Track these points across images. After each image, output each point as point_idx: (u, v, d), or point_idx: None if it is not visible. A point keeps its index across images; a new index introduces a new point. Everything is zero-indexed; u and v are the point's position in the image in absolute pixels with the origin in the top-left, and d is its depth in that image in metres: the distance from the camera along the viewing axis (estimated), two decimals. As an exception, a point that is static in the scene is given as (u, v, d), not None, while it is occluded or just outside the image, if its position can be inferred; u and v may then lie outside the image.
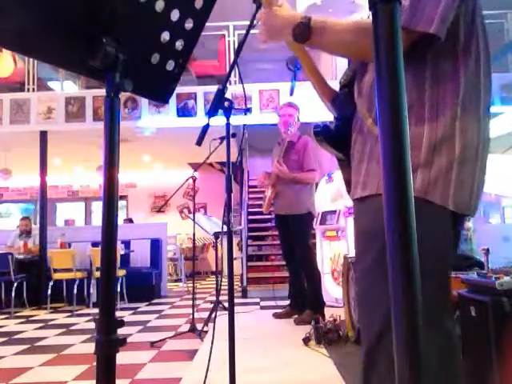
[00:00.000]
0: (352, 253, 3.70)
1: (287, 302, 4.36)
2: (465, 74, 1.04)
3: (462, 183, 1.02)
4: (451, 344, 1.04)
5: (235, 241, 6.94)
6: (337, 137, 1.24)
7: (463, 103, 1.03)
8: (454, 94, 1.03)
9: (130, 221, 9.55)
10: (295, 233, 3.99)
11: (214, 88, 5.79)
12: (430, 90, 1.03)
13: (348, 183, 1.25)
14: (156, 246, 6.89)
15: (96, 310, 5.29)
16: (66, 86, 7.42)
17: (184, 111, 6.43)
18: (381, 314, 1.02)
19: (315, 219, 4.68)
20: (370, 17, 0.48)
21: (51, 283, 5.65)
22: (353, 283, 3.12)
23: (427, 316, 0.97)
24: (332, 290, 4.83)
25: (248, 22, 1.28)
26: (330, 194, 5.27)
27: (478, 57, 1.06)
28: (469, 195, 1.04)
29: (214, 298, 4.86)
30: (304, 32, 1.04)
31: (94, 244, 6.10)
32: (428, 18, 0.94)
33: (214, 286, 5.69)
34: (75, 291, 5.57)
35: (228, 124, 1.82)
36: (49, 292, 5.62)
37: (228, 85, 1.65)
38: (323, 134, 1.25)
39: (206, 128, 1.64)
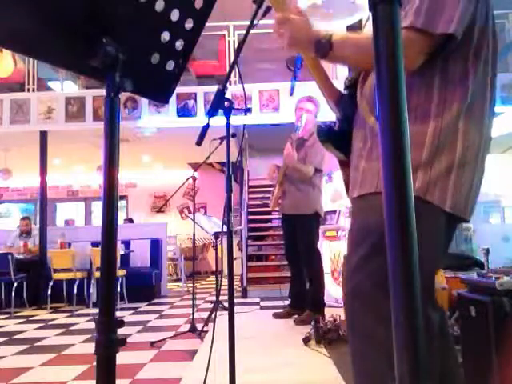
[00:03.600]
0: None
1: (287, 302, 4.36)
2: (474, 77, 1.04)
3: (461, 186, 1.03)
4: (430, 332, 1.05)
5: (235, 241, 6.94)
6: (340, 137, 1.25)
7: (469, 106, 1.04)
8: (462, 98, 1.04)
9: (131, 221, 9.54)
10: (301, 233, 3.97)
11: (213, 88, 5.78)
12: (438, 92, 1.04)
13: (347, 185, 1.26)
14: (156, 245, 6.88)
15: (96, 310, 5.29)
16: (66, 86, 7.42)
17: (184, 111, 6.43)
18: (372, 307, 1.03)
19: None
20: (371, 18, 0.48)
21: (51, 283, 5.65)
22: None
23: None
24: (332, 290, 4.83)
25: (248, 22, 1.28)
26: (330, 194, 5.27)
27: (487, 59, 1.07)
28: (465, 198, 1.05)
29: (214, 298, 4.85)
30: (325, 47, 1.08)
31: (94, 244, 6.10)
32: (447, 19, 0.95)
33: (214, 285, 5.69)
34: (75, 291, 5.57)
35: (228, 124, 1.82)
36: (49, 292, 5.62)
37: (228, 85, 1.65)
38: (327, 134, 1.25)
39: (205, 128, 1.64)
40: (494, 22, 1.09)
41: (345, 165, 1.27)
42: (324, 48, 1.08)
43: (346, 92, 1.29)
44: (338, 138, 1.26)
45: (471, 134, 1.04)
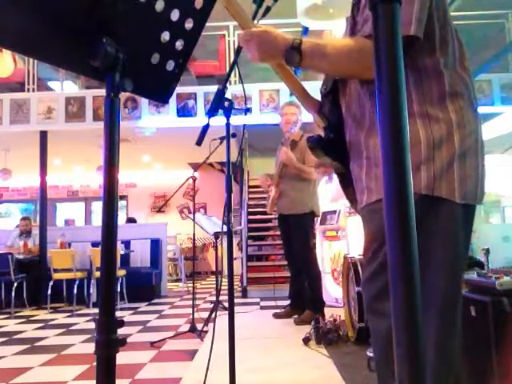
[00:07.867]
0: (352, 253, 3.70)
1: (287, 302, 4.36)
2: (446, 66, 1.05)
3: (467, 173, 1.02)
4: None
5: (235, 241, 6.94)
6: (332, 146, 1.24)
7: (452, 94, 1.04)
8: (441, 87, 1.04)
9: (132, 220, 9.50)
10: (296, 232, 3.98)
11: (214, 88, 5.78)
12: (414, 86, 1.04)
13: (352, 201, 1.25)
14: (156, 246, 6.88)
15: (96, 310, 5.29)
16: (66, 86, 7.42)
17: (184, 111, 6.43)
18: (388, 320, 1.03)
19: (317, 219, 4.67)
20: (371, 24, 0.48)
21: (51, 283, 5.65)
22: (353, 283, 3.12)
23: (441, 314, 0.99)
24: (332, 290, 4.83)
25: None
26: (330, 194, 5.27)
27: (455, 47, 1.07)
28: (474, 184, 1.04)
29: (214, 298, 4.86)
30: (296, 56, 1.07)
31: (94, 244, 6.10)
32: (405, 21, 0.96)
33: (214, 286, 5.69)
34: (75, 291, 5.57)
35: (228, 124, 1.82)
36: (49, 292, 5.61)
37: (228, 85, 1.65)
38: (316, 141, 1.25)
39: (205, 128, 1.64)
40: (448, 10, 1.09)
41: (345, 181, 1.26)
42: (294, 58, 1.06)
43: (325, 100, 1.28)
44: (327, 145, 1.25)
45: (465, 121, 1.03)
